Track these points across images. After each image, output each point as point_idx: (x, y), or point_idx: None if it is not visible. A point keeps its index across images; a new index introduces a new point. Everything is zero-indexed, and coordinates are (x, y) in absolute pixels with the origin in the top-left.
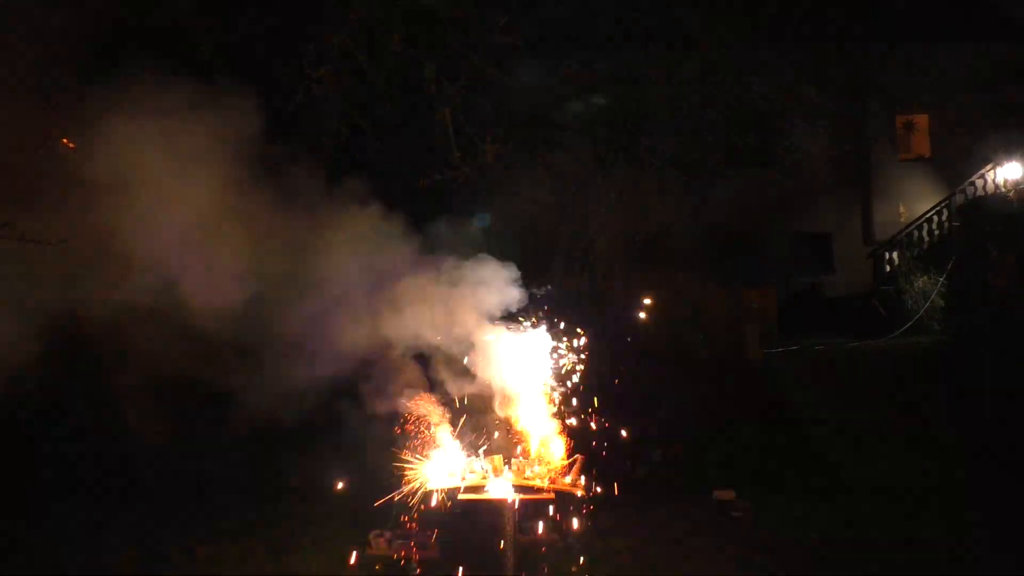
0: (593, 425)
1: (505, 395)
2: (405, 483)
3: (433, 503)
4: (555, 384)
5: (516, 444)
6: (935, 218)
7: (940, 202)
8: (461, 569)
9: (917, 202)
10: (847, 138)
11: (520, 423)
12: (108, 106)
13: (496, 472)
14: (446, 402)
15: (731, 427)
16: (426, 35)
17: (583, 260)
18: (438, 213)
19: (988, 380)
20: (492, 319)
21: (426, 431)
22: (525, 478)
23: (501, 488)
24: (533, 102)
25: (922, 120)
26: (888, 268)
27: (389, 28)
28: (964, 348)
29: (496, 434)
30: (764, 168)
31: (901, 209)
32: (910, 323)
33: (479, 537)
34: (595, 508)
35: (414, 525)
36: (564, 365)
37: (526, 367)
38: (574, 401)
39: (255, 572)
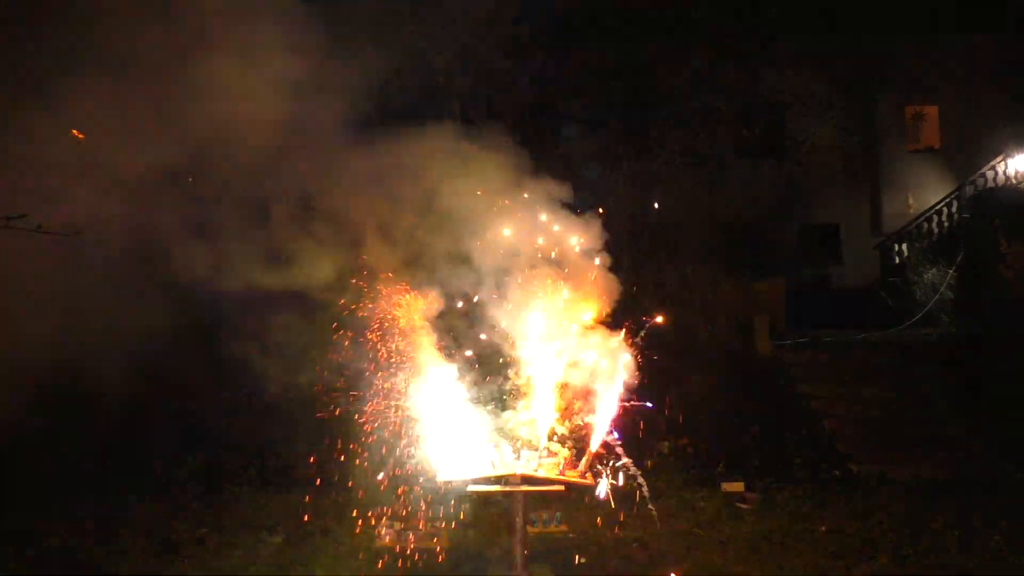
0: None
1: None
2: (415, 474)
3: (442, 494)
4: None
5: (526, 433)
6: (944, 210)
7: (949, 193)
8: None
9: (926, 193)
10: (856, 129)
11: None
12: None
13: (506, 463)
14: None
15: (739, 419)
16: (436, 26)
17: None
18: None
19: (998, 372)
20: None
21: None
22: (534, 469)
23: (511, 480)
24: (542, 93)
25: (931, 111)
26: (897, 260)
27: (399, 19)
28: (974, 340)
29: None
30: (773, 159)
31: (910, 200)
32: (919, 315)
33: (488, 528)
34: (604, 499)
35: (423, 516)
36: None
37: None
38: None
39: (266, 563)
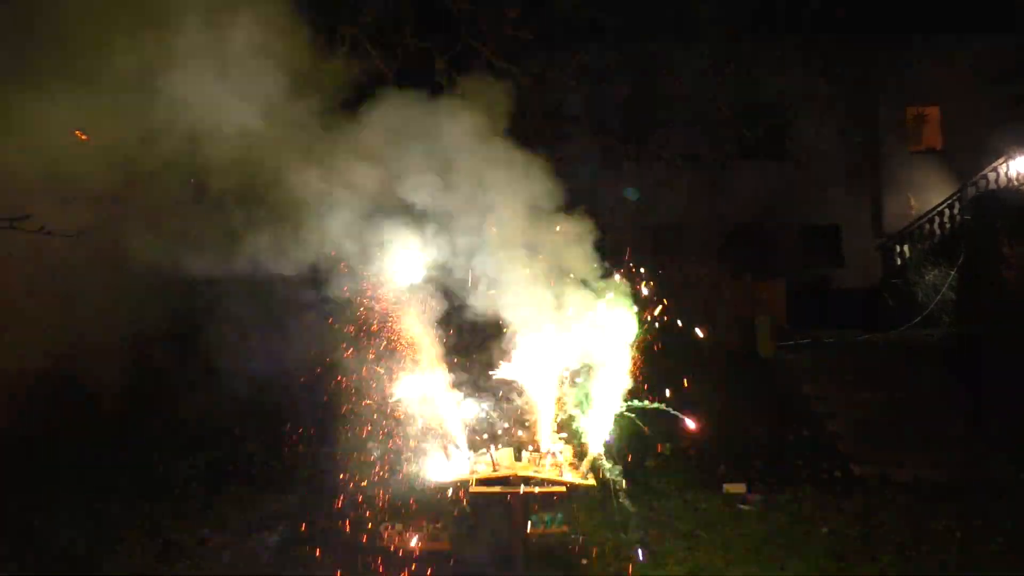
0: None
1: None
2: (417, 475)
3: (444, 496)
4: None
5: (528, 436)
6: (946, 211)
7: (951, 195)
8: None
9: (928, 195)
10: (857, 130)
11: (533, 414)
12: None
13: (507, 465)
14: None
15: (741, 420)
16: (438, 28)
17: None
18: None
19: (1000, 374)
20: None
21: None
22: (536, 471)
23: (512, 481)
24: (544, 95)
25: (933, 112)
26: (898, 261)
27: (401, 21)
28: (976, 342)
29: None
30: (774, 160)
31: (911, 202)
32: (921, 316)
33: (490, 530)
34: (606, 501)
35: (424, 517)
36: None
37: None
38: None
39: (267, 564)
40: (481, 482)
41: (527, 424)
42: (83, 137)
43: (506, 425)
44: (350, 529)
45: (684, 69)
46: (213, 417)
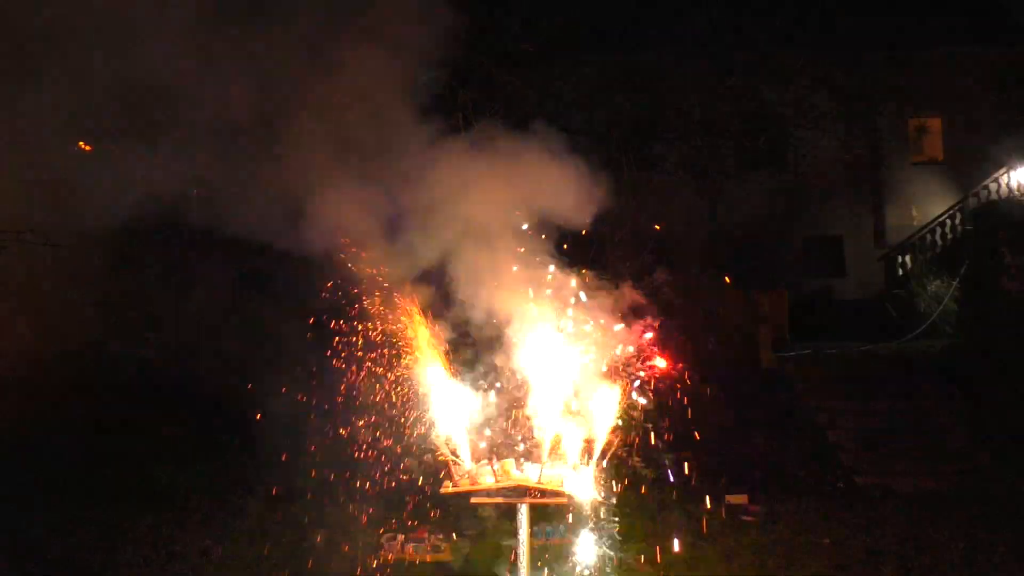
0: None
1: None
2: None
3: (445, 506)
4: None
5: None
6: (948, 222)
7: (953, 206)
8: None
9: (930, 205)
10: (859, 141)
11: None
12: None
13: (509, 475)
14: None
15: (743, 431)
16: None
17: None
18: None
19: (1001, 384)
20: None
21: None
22: (538, 481)
23: (514, 491)
24: (545, 106)
25: (935, 123)
26: (900, 271)
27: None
28: (978, 352)
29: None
30: (776, 172)
31: (914, 212)
32: (923, 327)
33: (492, 540)
34: (608, 511)
35: (426, 528)
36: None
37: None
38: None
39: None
40: (483, 492)
41: (530, 434)
42: (87, 148)
43: (510, 435)
44: (353, 540)
45: (685, 81)
46: (215, 428)
